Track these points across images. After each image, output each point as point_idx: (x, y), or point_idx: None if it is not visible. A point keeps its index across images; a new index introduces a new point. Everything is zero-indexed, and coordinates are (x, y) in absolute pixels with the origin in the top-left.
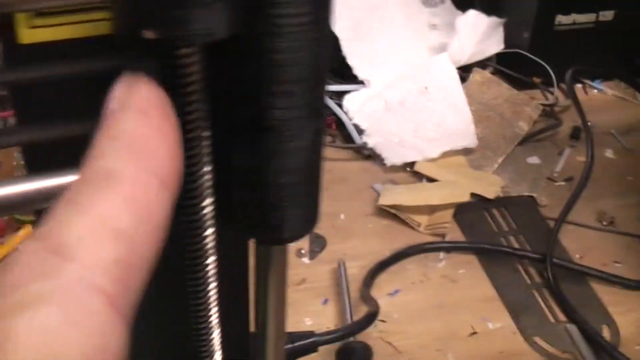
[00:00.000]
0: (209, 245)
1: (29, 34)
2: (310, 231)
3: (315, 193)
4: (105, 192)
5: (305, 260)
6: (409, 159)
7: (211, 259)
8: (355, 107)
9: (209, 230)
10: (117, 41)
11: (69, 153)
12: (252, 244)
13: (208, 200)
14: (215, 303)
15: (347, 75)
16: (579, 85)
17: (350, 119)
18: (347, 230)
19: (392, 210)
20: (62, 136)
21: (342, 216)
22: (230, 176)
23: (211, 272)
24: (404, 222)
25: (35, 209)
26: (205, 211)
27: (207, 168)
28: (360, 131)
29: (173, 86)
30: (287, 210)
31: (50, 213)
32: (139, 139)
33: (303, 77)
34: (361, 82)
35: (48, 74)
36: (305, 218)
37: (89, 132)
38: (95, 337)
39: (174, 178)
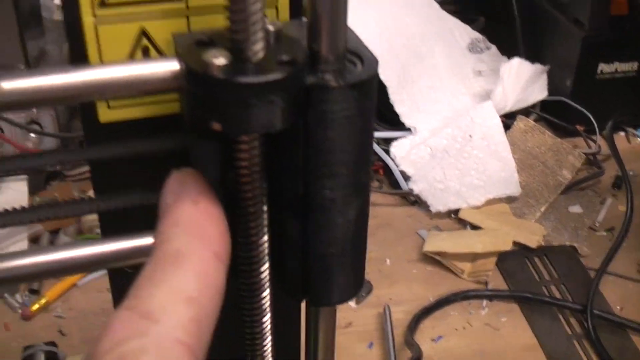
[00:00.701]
0: (265, 305)
1: (107, 113)
2: (356, 295)
3: (359, 261)
4: (176, 269)
5: (352, 304)
6: (454, 206)
7: (267, 317)
8: (402, 154)
9: (266, 292)
10: (187, 125)
11: (139, 218)
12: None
13: (265, 266)
14: (269, 358)
15: (394, 122)
16: (621, 134)
17: (397, 166)
18: (392, 275)
19: (436, 257)
20: (133, 204)
21: (387, 261)
22: (284, 246)
23: (266, 329)
24: (447, 269)
25: (108, 268)
26: (263, 275)
27: (265, 238)
28: (406, 177)
29: (236, 167)
30: (334, 277)
31: (134, 287)
32: (195, 224)
33: (349, 161)
34: (408, 129)
35: (123, 151)
36: (351, 283)
37: (155, 201)
38: None
39: (226, 251)
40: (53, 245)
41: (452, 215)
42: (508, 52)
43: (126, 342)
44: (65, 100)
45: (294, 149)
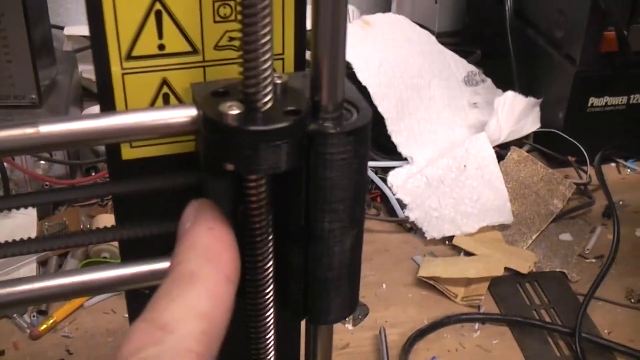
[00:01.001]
0: (270, 324)
1: (129, 152)
2: (351, 314)
3: (354, 284)
4: (190, 287)
5: (349, 326)
6: (448, 233)
7: (271, 335)
8: (399, 183)
9: (270, 312)
10: (202, 164)
11: (155, 246)
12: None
13: (270, 288)
14: None
15: (392, 152)
16: (612, 165)
17: (394, 194)
18: (388, 298)
19: (431, 282)
20: (150, 233)
21: (384, 285)
22: (287, 270)
23: (270, 346)
24: (441, 293)
25: (127, 290)
26: (268, 296)
27: (270, 263)
28: (403, 205)
29: (246, 201)
30: (331, 298)
31: (151, 302)
32: (209, 248)
33: (345, 197)
34: (405, 159)
35: (143, 186)
36: (346, 304)
37: (170, 230)
38: None
39: (236, 274)
40: (61, 268)
41: (447, 242)
42: (503, 85)
43: (144, 349)
44: (95, 142)
45: (297, 186)
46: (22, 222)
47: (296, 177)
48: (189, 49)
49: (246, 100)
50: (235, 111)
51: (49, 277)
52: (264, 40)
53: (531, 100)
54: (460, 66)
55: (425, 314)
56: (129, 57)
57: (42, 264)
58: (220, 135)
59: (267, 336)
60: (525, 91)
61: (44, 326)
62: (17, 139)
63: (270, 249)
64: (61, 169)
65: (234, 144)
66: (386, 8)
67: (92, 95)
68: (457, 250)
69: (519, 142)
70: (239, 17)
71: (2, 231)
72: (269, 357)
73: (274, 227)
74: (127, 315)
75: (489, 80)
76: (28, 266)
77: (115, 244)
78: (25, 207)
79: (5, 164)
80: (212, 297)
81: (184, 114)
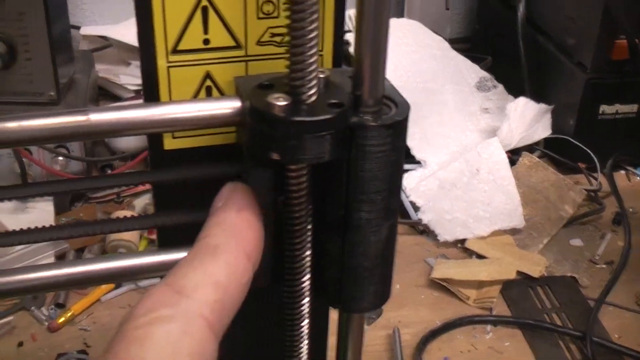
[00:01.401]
0: (305, 311)
1: (171, 142)
2: (384, 303)
3: (388, 273)
4: (211, 258)
5: (364, 325)
6: (460, 236)
7: (305, 322)
8: (412, 185)
9: (306, 299)
10: (245, 154)
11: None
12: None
13: (307, 276)
14: (305, 358)
15: (405, 155)
16: (622, 172)
17: (407, 196)
18: (401, 299)
19: (443, 283)
20: (188, 221)
21: (397, 286)
22: (324, 259)
23: (304, 332)
24: (454, 295)
25: (160, 276)
26: (304, 284)
27: (308, 252)
28: (416, 208)
29: (287, 191)
30: (365, 287)
31: (174, 268)
32: (235, 226)
33: (382, 189)
34: (418, 162)
35: (184, 175)
36: (379, 293)
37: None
38: (198, 346)
39: (257, 254)
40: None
41: (459, 245)
42: (514, 91)
43: (159, 309)
44: (142, 131)
45: (337, 177)
46: (39, 217)
47: (337, 168)
48: (232, 43)
49: (292, 92)
50: (282, 102)
51: (90, 261)
52: (311, 36)
53: (542, 106)
54: (472, 72)
55: (438, 315)
56: (175, 51)
57: (60, 257)
58: (267, 125)
59: (302, 323)
60: (536, 97)
61: (62, 319)
62: (68, 125)
63: (309, 238)
64: (78, 165)
65: (280, 134)
66: (398, 14)
67: (107, 95)
68: (469, 253)
69: (530, 148)
70: (288, 13)
71: (20, 225)
72: (302, 343)
73: (313, 216)
74: None
75: (500, 86)
76: (46, 260)
77: (133, 239)
78: (78, 191)
79: (23, 158)
80: (230, 270)
81: (229, 106)
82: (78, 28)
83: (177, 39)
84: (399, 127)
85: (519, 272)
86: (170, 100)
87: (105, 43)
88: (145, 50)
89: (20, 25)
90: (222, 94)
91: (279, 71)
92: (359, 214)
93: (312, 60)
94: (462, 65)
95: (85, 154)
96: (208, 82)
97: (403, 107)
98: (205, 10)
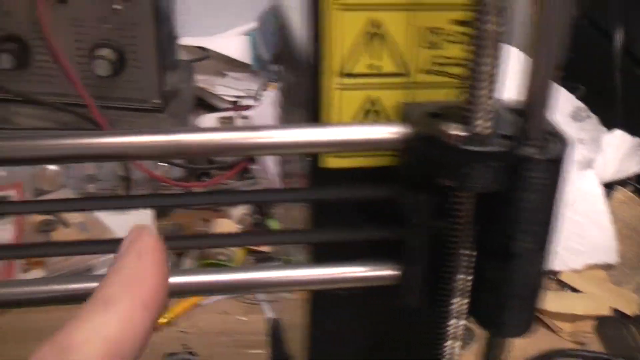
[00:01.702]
0: (451, 332)
1: (331, 161)
2: (528, 331)
3: (536, 303)
4: (102, 311)
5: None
6: (556, 268)
7: (449, 342)
8: None
9: (453, 320)
10: (405, 178)
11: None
12: None
13: (457, 299)
14: None
15: None
16: None
17: None
18: None
19: (538, 314)
20: (341, 239)
21: None
22: (483, 284)
23: (448, 352)
24: (547, 326)
25: (315, 289)
26: (453, 306)
27: (460, 276)
28: None
29: (453, 216)
30: (519, 313)
31: (67, 321)
32: (133, 275)
33: (543, 221)
34: None
35: (341, 194)
36: (528, 321)
37: (358, 238)
38: None
39: (156, 303)
40: (178, 268)
41: (552, 277)
42: (605, 122)
43: None
44: (309, 150)
45: (502, 206)
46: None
47: (501, 198)
48: (399, 70)
49: (465, 122)
50: (456, 132)
51: (248, 269)
52: (493, 71)
53: (637, 140)
54: (567, 101)
55: (532, 345)
56: (344, 74)
57: None
58: (439, 152)
59: (446, 344)
60: (630, 130)
61: (164, 320)
62: (237, 141)
63: (464, 262)
64: (178, 172)
65: (453, 161)
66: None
67: (204, 105)
68: (562, 285)
69: (623, 182)
70: (469, 47)
71: (118, 225)
72: None
73: (473, 242)
74: (239, 317)
75: (594, 117)
76: None
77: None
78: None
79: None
80: (123, 322)
81: (394, 131)
82: (176, 38)
83: (347, 63)
84: (562, 162)
85: (613, 309)
86: (340, 122)
87: (203, 54)
88: (317, 72)
89: (131, 35)
90: (386, 119)
91: (439, 99)
92: (520, 243)
93: (488, 93)
94: (558, 93)
95: (187, 160)
96: (373, 106)
97: (565, 142)
98: (374, 37)
